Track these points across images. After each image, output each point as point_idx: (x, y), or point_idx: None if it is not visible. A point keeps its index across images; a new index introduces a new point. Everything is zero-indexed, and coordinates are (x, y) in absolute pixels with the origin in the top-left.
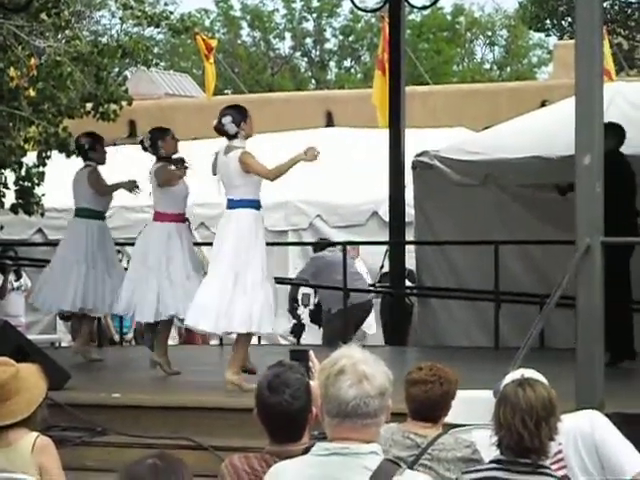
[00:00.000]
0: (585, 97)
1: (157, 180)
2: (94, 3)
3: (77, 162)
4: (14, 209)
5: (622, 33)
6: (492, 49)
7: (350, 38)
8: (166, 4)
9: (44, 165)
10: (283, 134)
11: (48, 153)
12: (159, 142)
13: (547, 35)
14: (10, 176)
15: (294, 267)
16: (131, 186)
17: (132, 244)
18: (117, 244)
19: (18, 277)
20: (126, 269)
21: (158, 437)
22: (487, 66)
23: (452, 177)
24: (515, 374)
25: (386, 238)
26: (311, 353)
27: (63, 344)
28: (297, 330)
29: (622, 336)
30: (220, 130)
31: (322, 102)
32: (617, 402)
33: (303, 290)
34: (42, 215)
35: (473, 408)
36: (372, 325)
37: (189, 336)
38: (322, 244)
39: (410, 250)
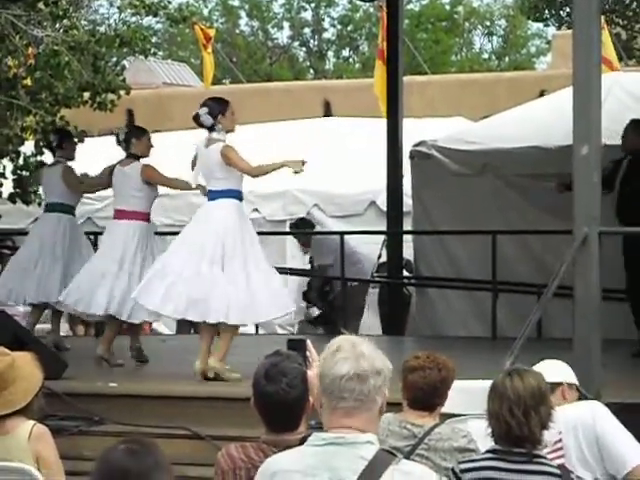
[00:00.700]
0: (583, 87)
1: (142, 178)
2: None
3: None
4: (12, 198)
5: (620, 23)
6: (490, 39)
7: (348, 28)
8: None
9: (42, 154)
10: (281, 123)
11: (46, 142)
12: (133, 140)
13: (546, 25)
14: (8, 165)
15: (291, 256)
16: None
17: None
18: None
19: None
20: None
21: (155, 426)
22: (485, 56)
23: (450, 167)
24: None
25: (384, 228)
26: (308, 342)
27: (61, 334)
28: (327, 318)
29: None
30: (197, 121)
31: (320, 92)
32: (614, 391)
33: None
34: (39, 204)
35: (471, 398)
36: None
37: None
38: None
39: (408, 240)
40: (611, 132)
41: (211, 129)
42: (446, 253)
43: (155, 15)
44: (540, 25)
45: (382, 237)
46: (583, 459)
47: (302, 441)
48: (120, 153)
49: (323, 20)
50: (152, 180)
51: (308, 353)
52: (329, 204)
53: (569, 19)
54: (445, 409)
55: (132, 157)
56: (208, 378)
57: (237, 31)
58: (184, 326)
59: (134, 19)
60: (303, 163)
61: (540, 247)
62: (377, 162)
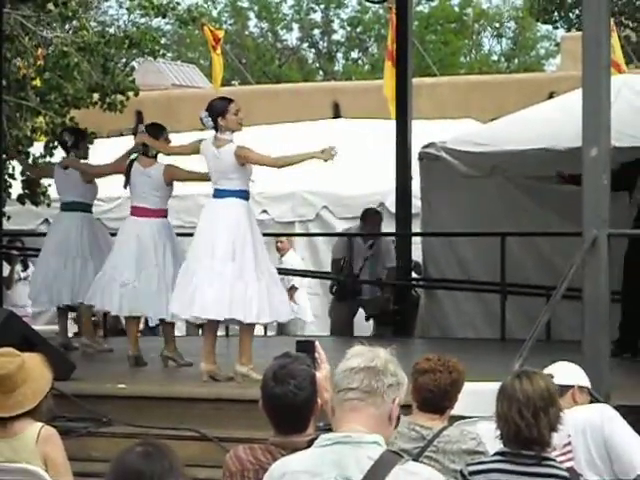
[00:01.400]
0: (592, 89)
1: (165, 179)
2: None
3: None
4: (21, 199)
5: (630, 25)
6: (500, 41)
7: (358, 29)
8: None
9: (51, 155)
10: (290, 125)
11: (55, 143)
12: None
13: (555, 27)
14: (17, 167)
15: (300, 258)
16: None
17: None
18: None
19: (25, 267)
20: None
21: (163, 428)
22: (495, 58)
23: (459, 169)
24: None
25: (393, 229)
26: (317, 344)
27: (69, 335)
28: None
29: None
30: (203, 124)
31: (329, 93)
32: (623, 394)
33: None
34: (48, 205)
35: (480, 400)
36: (307, 311)
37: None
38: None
39: (416, 242)
40: (620, 134)
41: (215, 130)
42: (455, 255)
43: (164, 16)
44: (549, 27)
45: (391, 239)
46: (592, 462)
47: (310, 443)
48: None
49: (332, 22)
50: (175, 179)
51: (317, 355)
52: (338, 206)
53: (578, 21)
54: (454, 411)
55: (151, 156)
56: (215, 379)
57: (246, 32)
58: (193, 328)
59: (143, 20)
60: (332, 149)
61: (549, 249)
62: (386, 164)
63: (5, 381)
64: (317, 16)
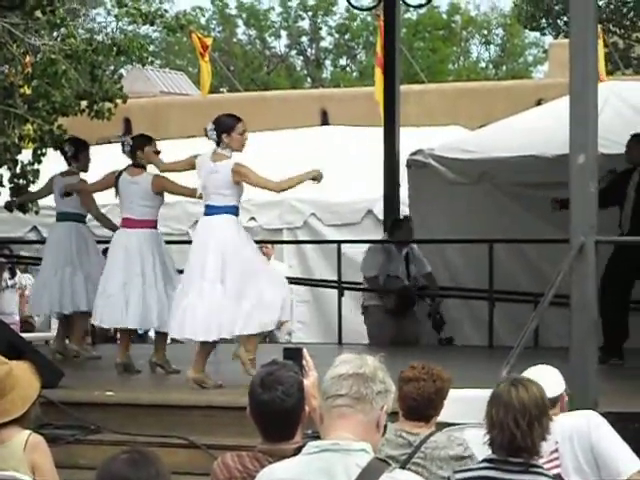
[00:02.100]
0: (579, 96)
1: (153, 189)
2: (89, 0)
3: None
4: (9, 207)
5: (618, 32)
6: (488, 48)
7: (346, 36)
8: (161, 2)
9: (39, 163)
10: (278, 132)
11: (43, 151)
12: (138, 152)
13: (542, 34)
14: (5, 174)
15: (289, 265)
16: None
17: None
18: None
19: (12, 275)
20: None
21: (152, 435)
22: (483, 65)
23: (447, 176)
24: (532, 370)
25: (381, 237)
26: (305, 351)
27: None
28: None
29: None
30: (205, 134)
31: (317, 100)
32: (610, 400)
33: None
34: (37, 213)
35: (468, 407)
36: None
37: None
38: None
39: None
40: (608, 141)
41: (217, 144)
42: (443, 262)
43: (152, 24)
44: (537, 34)
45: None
46: (579, 468)
47: (297, 450)
48: (116, 161)
49: (320, 29)
50: (164, 190)
51: (304, 362)
52: (326, 213)
53: (566, 28)
54: (442, 418)
55: (139, 166)
56: (202, 386)
57: (234, 40)
58: None
59: (131, 28)
60: (319, 172)
61: (537, 256)
62: (374, 171)
63: None
64: (305, 23)
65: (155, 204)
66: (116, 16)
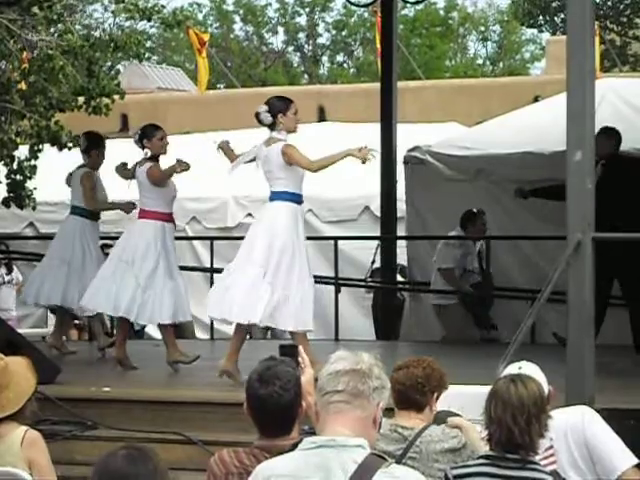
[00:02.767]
0: (576, 93)
1: (150, 179)
2: None
3: (69, 155)
4: (6, 203)
5: (615, 29)
6: (485, 44)
7: (343, 33)
8: None
9: (36, 158)
10: None
11: (40, 146)
12: (144, 140)
13: (540, 31)
14: (2, 169)
15: None
16: (128, 208)
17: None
18: (108, 238)
19: (9, 271)
20: None
21: (148, 431)
22: (480, 61)
23: (444, 172)
24: (513, 367)
25: (378, 233)
26: (300, 349)
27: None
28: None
29: None
30: (257, 119)
31: (314, 97)
32: (606, 397)
33: None
34: (34, 209)
35: (465, 403)
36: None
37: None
38: None
39: (402, 245)
40: None
41: (271, 128)
42: None
43: (149, 20)
44: (534, 31)
45: (376, 242)
46: (574, 464)
47: (294, 446)
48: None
49: (317, 25)
50: (156, 181)
51: (300, 359)
52: (323, 209)
53: (563, 25)
54: None
55: (148, 157)
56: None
57: (231, 36)
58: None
59: (128, 24)
60: (370, 151)
61: (534, 253)
62: (371, 167)
63: None
64: (302, 19)
65: (157, 195)
66: (113, 12)
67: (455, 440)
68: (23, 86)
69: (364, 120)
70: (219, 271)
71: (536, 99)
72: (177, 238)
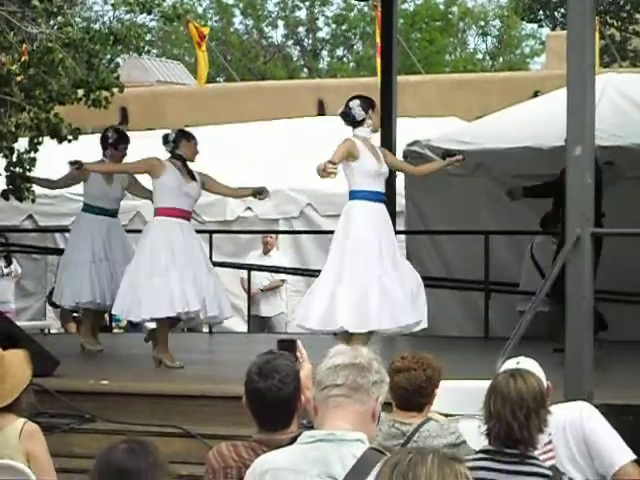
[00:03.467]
0: (577, 88)
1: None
2: None
3: (69, 148)
4: (5, 195)
5: (614, 24)
6: (485, 39)
7: (343, 27)
8: None
9: (35, 151)
10: (275, 122)
11: (39, 139)
12: (184, 141)
13: (540, 26)
14: (1, 162)
15: (285, 254)
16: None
17: None
18: None
19: (8, 263)
20: None
21: (146, 424)
22: (480, 56)
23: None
24: (512, 362)
25: None
26: (299, 343)
27: (52, 331)
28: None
29: None
30: (347, 115)
31: (314, 91)
32: (605, 393)
33: None
34: (33, 201)
35: (463, 398)
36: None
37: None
38: None
39: (401, 240)
40: (605, 133)
41: (358, 124)
42: (438, 253)
43: (149, 13)
44: (534, 26)
45: None
46: (573, 459)
47: (293, 440)
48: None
49: (317, 19)
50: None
51: (298, 354)
52: (322, 203)
53: (563, 20)
54: (437, 409)
55: (176, 158)
56: None
57: (231, 29)
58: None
59: (128, 17)
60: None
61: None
62: None
63: None
64: (302, 13)
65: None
66: (113, 5)
67: (453, 436)
68: (23, 78)
69: None
70: (217, 265)
71: (536, 94)
72: None
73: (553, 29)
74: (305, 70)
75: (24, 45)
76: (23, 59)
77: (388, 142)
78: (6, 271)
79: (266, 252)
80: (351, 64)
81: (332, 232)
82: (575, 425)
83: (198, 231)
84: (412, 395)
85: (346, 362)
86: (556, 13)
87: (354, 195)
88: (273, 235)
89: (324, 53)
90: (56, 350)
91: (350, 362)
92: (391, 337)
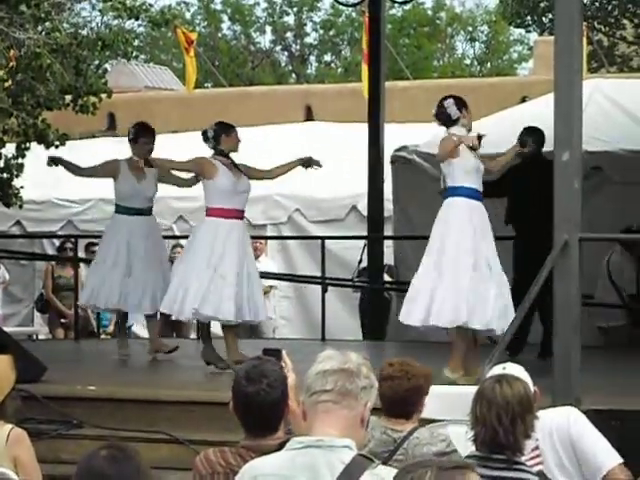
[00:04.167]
0: (564, 93)
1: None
2: None
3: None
4: None
5: (602, 30)
6: (473, 45)
7: (331, 32)
8: None
9: (23, 157)
10: (263, 128)
11: (27, 145)
12: (223, 136)
13: (527, 31)
14: None
15: (272, 260)
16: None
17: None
18: (95, 236)
19: None
20: None
21: (134, 430)
22: (467, 61)
23: (431, 172)
24: (497, 368)
25: (365, 233)
26: (284, 353)
27: (40, 337)
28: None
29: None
30: (441, 114)
31: (302, 96)
32: (593, 398)
33: None
34: (20, 207)
35: (451, 403)
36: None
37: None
38: None
39: (388, 244)
40: (592, 138)
41: (453, 123)
42: None
43: (137, 18)
44: (522, 31)
45: (363, 242)
46: (560, 464)
47: (281, 446)
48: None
49: (305, 25)
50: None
51: (283, 363)
52: (310, 209)
53: (551, 25)
54: (425, 415)
55: (220, 154)
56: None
57: (219, 35)
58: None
59: (116, 22)
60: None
61: None
62: (358, 167)
63: None
64: (290, 19)
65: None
66: (101, 10)
67: (444, 444)
68: (10, 84)
69: (351, 120)
70: None
71: (524, 99)
72: (164, 237)
73: (541, 34)
74: (293, 75)
75: (12, 51)
76: (11, 65)
77: (376, 147)
78: None
79: (255, 258)
80: (339, 70)
81: (320, 238)
82: (562, 430)
83: (186, 236)
84: (397, 404)
85: (335, 367)
86: (544, 18)
87: (454, 192)
88: (262, 241)
89: (312, 58)
90: (44, 356)
91: (339, 367)
92: (379, 344)
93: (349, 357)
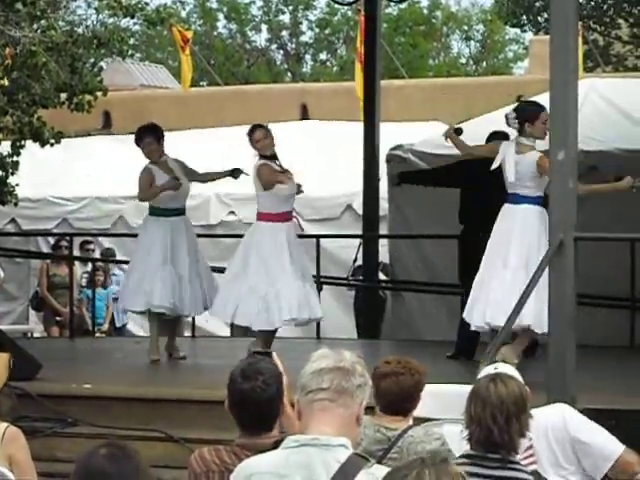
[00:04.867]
0: (560, 93)
1: (260, 181)
2: None
3: (51, 152)
4: None
5: (598, 29)
6: (468, 44)
7: (326, 31)
8: None
9: (18, 155)
10: None
11: (22, 142)
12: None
13: (523, 30)
14: None
15: None
16: (175, 185)
17: (105, 235)
18: (90, 234)
19: None
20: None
21: (129, 428)
22: (463, 61)
23: None
24: (490, 368)
25: (360, 231)
26: (275, 355)
27: (35, 334)
28: None
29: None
30: (506, 120)
31: (297, 95)
32: (588, 397)
33: None
34: (15, 205)
35: (446, 402)
36: None
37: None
38: None
39: (383, 243)
40: (587, 138)
41: (520, 132)
42: (422, 257)
43: (133, 17)
44: (517, 30)
45: (358, 240)
46: (556, 463)
47: (276, 445)
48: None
49: (301, 23)
50: (262, 179)
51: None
52: (305, 208)
53: (546, 25)
54: (420, 414)
55: (266, 158)
56: None
57: (215, 33)
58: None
59: (112, 20)
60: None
61: None
62: (354, 166)
63: None
64: (286, 17)
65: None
66: (96, 9)
67: (438, 442)
68: (6, 82)
69: (347, 118)
70: None
71: (519, 99)
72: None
73: (536, 34)
74: (289, 74)
75: (7, 49)
76: (6, 63)
77: (371, 146)
78: None
79: None
80: (334, 68)
81: (315, 236)
82: (558, 428)
83: None
84: (401, 401)
85: (330, 366)
86: (539, 18)
87: (538, 201)
88: None
89: (307, 57)
90: (39, 354)
91: (335, 366)
92: (374, 342)
93: (343, 355)
